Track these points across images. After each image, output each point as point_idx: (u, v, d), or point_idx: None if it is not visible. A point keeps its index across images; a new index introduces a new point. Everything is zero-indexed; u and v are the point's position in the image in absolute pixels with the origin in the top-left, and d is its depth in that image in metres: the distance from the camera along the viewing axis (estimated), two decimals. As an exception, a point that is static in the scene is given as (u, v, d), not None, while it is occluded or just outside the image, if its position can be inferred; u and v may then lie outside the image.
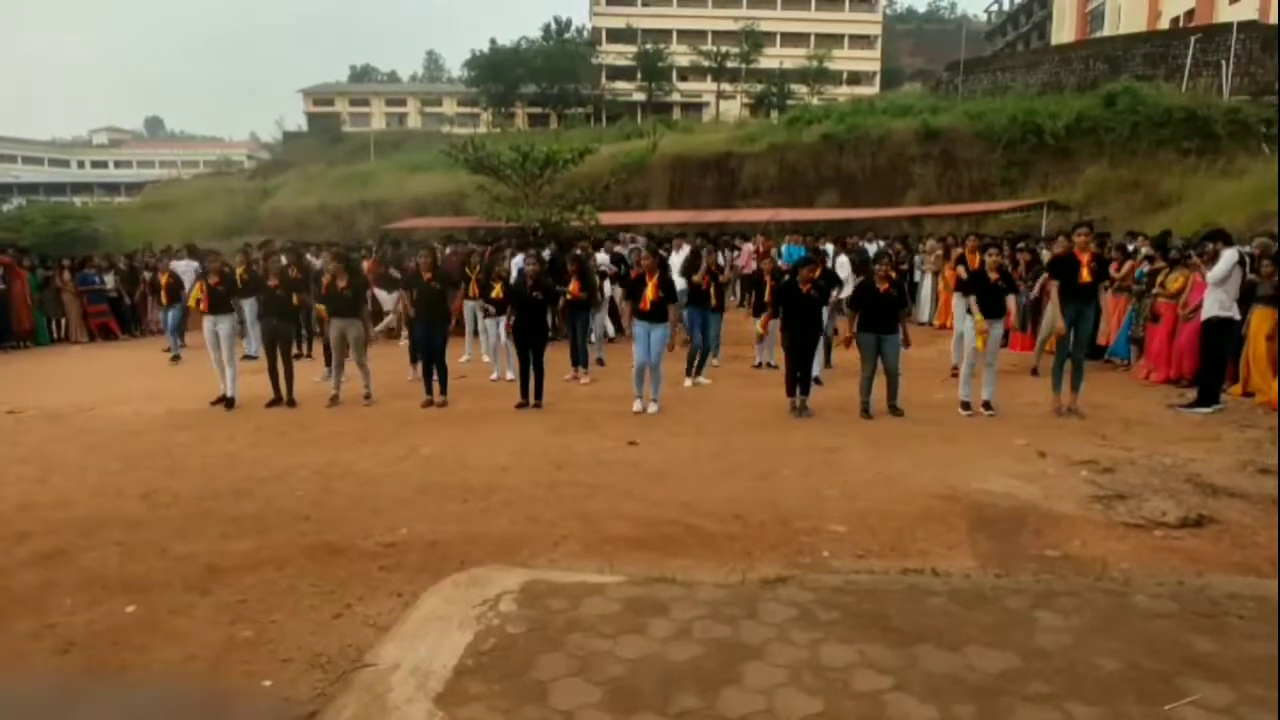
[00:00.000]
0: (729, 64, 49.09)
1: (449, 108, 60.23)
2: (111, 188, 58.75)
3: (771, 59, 50.46)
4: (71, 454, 6.36)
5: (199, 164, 61.69)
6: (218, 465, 5.96)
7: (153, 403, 8.21)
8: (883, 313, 7.12)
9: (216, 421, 7.41)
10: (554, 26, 54.89)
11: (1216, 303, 7.14)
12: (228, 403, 7.97)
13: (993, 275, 7.25)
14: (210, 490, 5.34)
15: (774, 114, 41.93)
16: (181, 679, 3.13)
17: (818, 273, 7.31)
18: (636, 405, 7.51)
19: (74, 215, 29.45)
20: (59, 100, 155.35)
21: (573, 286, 9.17)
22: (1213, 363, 7.34)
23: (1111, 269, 9.72)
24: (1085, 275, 6.80)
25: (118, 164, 70.34)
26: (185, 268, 12.04)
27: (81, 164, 71.28)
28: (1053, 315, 7.19)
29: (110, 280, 14.37)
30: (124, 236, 26.01)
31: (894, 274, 7.62)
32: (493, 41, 51.70)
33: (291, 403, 8.01)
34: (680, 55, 52.03)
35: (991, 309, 7.13)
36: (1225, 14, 30.41)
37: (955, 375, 8.23)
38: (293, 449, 6.40)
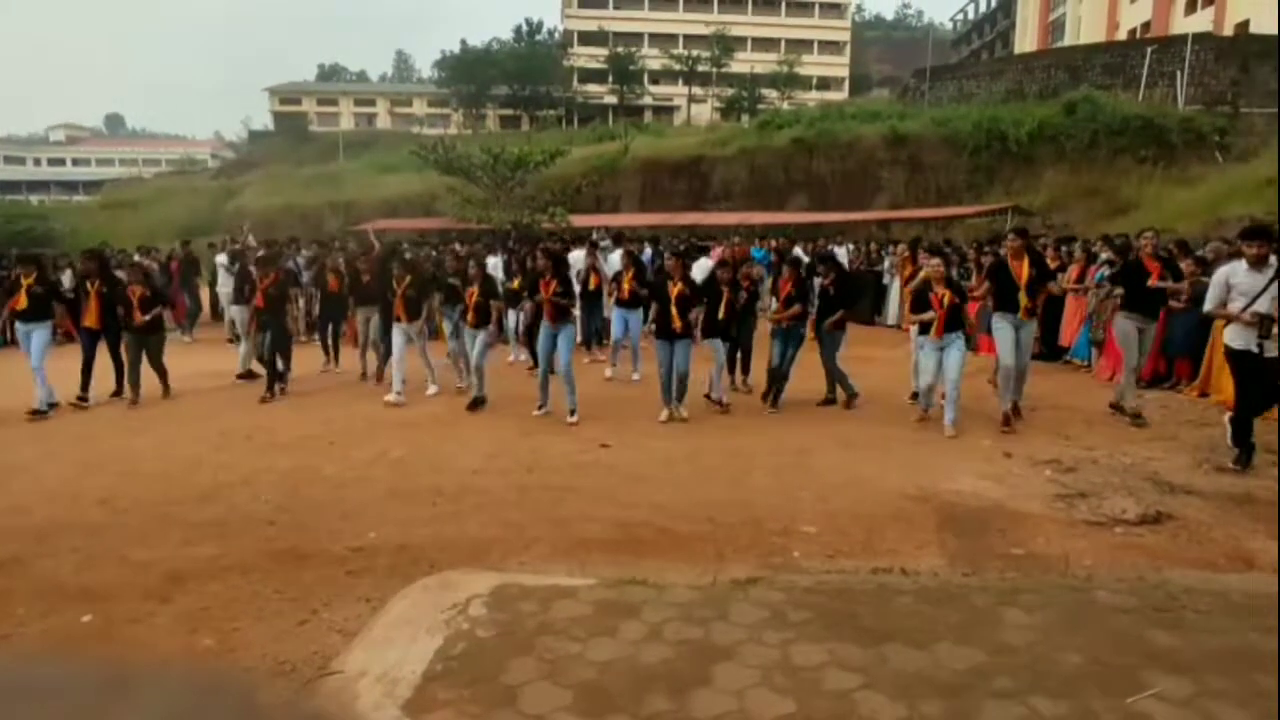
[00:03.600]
0: (700, 68, 49.45)
1: (419, 108, 59.75)
2: (69, 186, 57.28)
3: (742, 63, 50.93)
4: (25, 459, 6.16)
5: (161, 162, 60.42)
6: (180, 470, 5.82)
7: (110, 406, 8.01)
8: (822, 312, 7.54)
9: (179, 425, 7.24)
10: (525, 28, 54.80)
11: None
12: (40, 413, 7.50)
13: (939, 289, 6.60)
14: (172, 495, 5.21)
15: (745, 118, 42.32)
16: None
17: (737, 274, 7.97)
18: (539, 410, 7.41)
19: (29, 214, 28.71)
20: (14, 95, 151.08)
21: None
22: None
23: (1067, 279, 9.95)
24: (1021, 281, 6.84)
25: (76, 162, 68.52)
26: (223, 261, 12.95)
27: (38, 161, 69.28)
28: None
29: (67, 280, 13.96)
30: (81, 236, 25.38)
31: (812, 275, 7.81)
32: (463, 42, 51.58)
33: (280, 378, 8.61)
34: (652, 59, 52.27)
35: (946, 322, 6.60)
36: (1180, 26, 31.36)
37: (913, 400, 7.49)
38: (258, 453, 6.28)
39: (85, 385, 7.97)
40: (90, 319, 8.07)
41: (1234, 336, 5.60)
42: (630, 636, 3.20)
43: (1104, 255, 9.88)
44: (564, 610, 3.42)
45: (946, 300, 6.59)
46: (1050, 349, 10.32)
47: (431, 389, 8.32)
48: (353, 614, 3.56)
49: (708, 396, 7.68)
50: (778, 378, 7.58)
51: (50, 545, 4.36)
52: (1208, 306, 5.76)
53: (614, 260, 10.69)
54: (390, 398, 7.91)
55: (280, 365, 8.40)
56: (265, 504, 5.03)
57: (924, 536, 4.44)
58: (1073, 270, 10.09)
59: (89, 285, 8.16)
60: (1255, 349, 5.38)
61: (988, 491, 5.17)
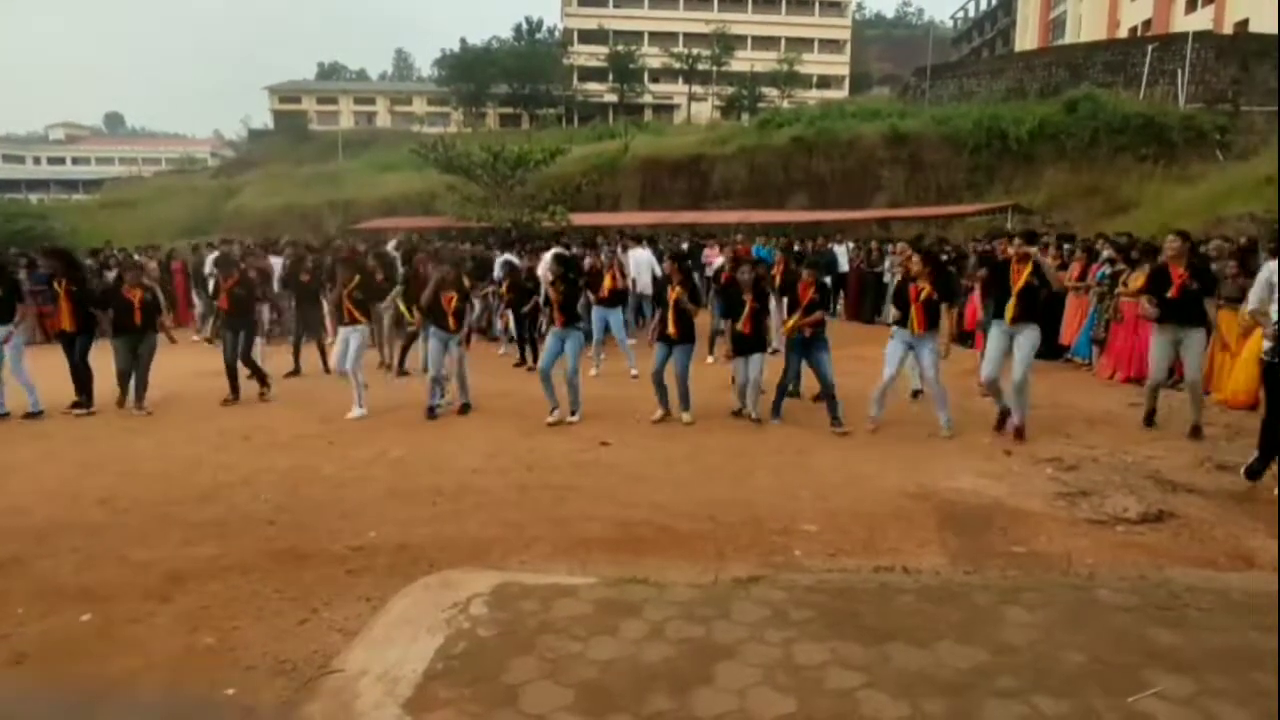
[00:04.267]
0: (700, 66, 49.41)
1: (419, 107, 59.72)
2: (69, 185, 57.25)
3: (742, 62, 50.91)
4: (24, 459, 6.16)
5: (161, 161, 60.49)
6: (180, 470, 5.81)
7: (109, 406, 7.99)
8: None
9: (178, 425, 7.24)
10: (525, 27, 54.79)
11: None
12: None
13: (923, 286, 6.39)
14: (172, 495, 5.21)
15: (745, 116, 42.31)
16: (140, 689, 3.04)
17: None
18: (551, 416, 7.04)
19: (29, 213, 28.62)
20: (14, 94, 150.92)
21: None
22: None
23: (1068, 277, 9.93)
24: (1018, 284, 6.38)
25: (75, 160, 68.52)
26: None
27: (38, 160, 69.29)
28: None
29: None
30: (81, 235, 25.30)
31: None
32: (463, 41, 51.64)
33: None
34: (652, 57, 52.25)
35: (924, 318, 6.41)
36: (1181, 24, 31.34)
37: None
38: (258, 453, 6.27)
39: (81, 390, 7.81)
40: (65, 321, 7.76)
41: (1272, 349, 5.15)
42: (631, 635, 3.20)
43: (1105, 253, 9.87)
44: (565, 609, 3.42)
45: (925, 295, 6.39)
46: (1051, 348, 10.32)
47: (356, 411, 7.43)
48: (353, 613, 3.56)
49: (751, 414, 7.09)
50: (784, 392, 7.07)
51: (50, 545, 4.36)
52: (1251, 305, 5.53)
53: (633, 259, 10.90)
54: (352, 414, 7.38)
55: (248, 369, 8.12)
56: (265, 504, 5.02)
57: (925, 535, 4.43)
58: (1074, 268, 10.08)
59: (56, 285, 7.78)
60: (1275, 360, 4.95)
61: (988, 490, 5.16)
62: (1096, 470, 5.55)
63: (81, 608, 3.63)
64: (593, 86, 52.53)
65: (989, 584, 3.70)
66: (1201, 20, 30.27)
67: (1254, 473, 5.19)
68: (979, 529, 4.53)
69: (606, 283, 8.95)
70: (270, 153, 42.70)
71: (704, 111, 48.67)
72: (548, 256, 10.67)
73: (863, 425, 6.71)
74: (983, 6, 59.28)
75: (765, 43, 56.45)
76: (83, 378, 7.77)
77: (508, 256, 12.07)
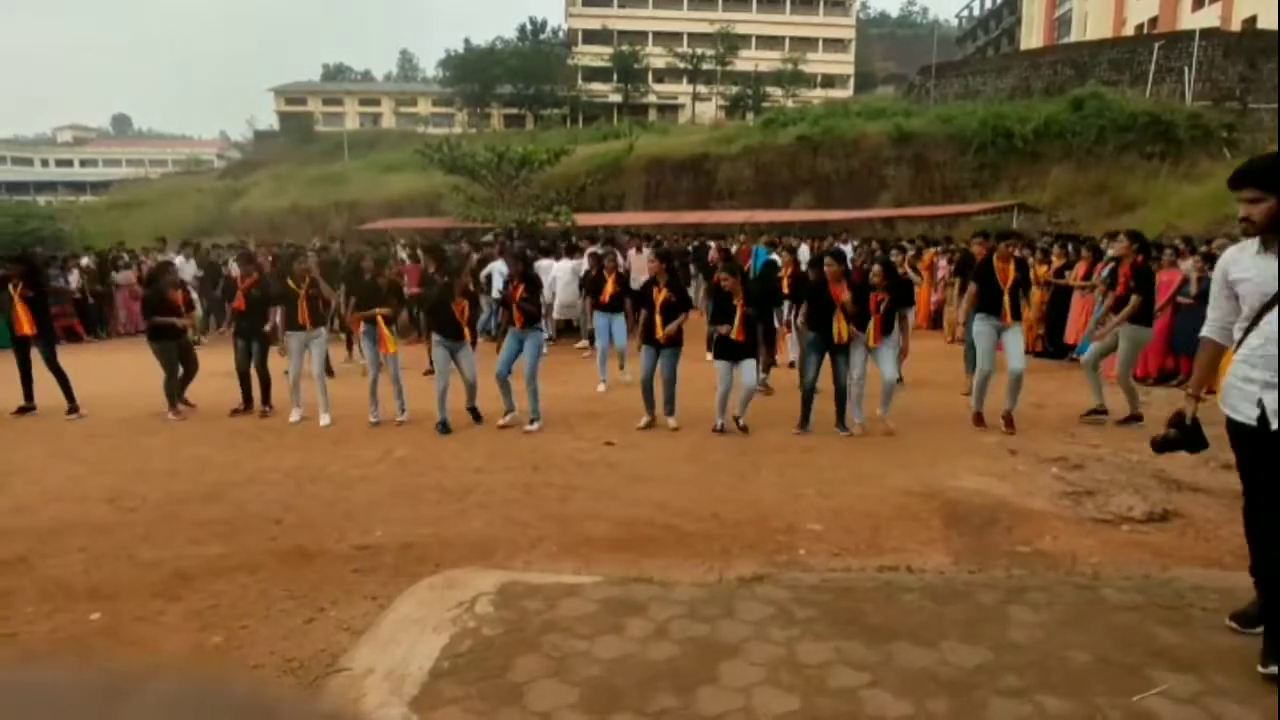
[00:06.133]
0: (704, 66, 49.37)
1: (424, 108, 59.77)
2: (77, 187, 57.55)
3: (747, 61, 50.88)
4: (31, 458, 6.20)
5: (167, 163, 60.81)
6: (187, 469, 5.85)
7: (117, 406, 8.03)
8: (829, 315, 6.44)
9: (185, 425, 7.28)
10: (529, 27, 54.77)
11: None
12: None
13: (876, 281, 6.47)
14: (179, 494, 5.24)
15: (749, 116, 42.22)
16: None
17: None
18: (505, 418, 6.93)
19: (38, 215, 28.83)
20: (22, 96, 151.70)
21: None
22: None
23: (1074, 276, 9.92)
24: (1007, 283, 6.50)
25: (83, 162, 68.83)
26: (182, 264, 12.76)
27: (45, 162, 69.64)
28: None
29: (74, 280, 14.06)
30: (90, 236, 25.50)
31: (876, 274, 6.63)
32: (467, 41, 51.59)
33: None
34: (656, 57, 52.21)
35: (881, 326, 6.50)
36: (1188, 21, 31.15)
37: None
38: (264, 452, 6.30)
39: (28, 395, 7.67)
40: (24, 326, 7.50)
41: (1231, 391, 3.07)
42: (636, 634, 3.20)
43: (1110, 251, 9.83)
44: (570, 608, 3.43)
45: (884, 305, 6.43)
46: (1056, 347, 10.30)
47: (324, 418, 7.22)
48: (359, 612, 3.58)
49: (738, 422, 6.72)
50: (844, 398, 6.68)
51: (57, 544, 4.39)
52: (1206, 329, 3.27)
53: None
54: (292, 417, 7.29)
55: (260, 381, 7.67)
56: (271, 503, 5.05)
57: (929, 534, 4.43)
58: (1079, 267, 10.06)
59: (12, 290, 7.52)
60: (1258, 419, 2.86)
61: (993, 489, 5.16)
62: (1101, 469, 5.54)
63: (89, 606, 3.66)
64: (597, 87, 52.53)
65: (993, 583, 3.70)
66: (1208, 17, 30.08)
67: (1249, 620, 3.12)
68: (983, 528, 4.53)
69: (609, 287, 8.49)
70: (276, 154, 42.84)
71: (708, 111, 48.63)
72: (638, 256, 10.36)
73: (865, 425, 6.74)
74: (987, 5, 59.08)
75: (769, 42, 56.36)
76: (60, 381, 7.61)
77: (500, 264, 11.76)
